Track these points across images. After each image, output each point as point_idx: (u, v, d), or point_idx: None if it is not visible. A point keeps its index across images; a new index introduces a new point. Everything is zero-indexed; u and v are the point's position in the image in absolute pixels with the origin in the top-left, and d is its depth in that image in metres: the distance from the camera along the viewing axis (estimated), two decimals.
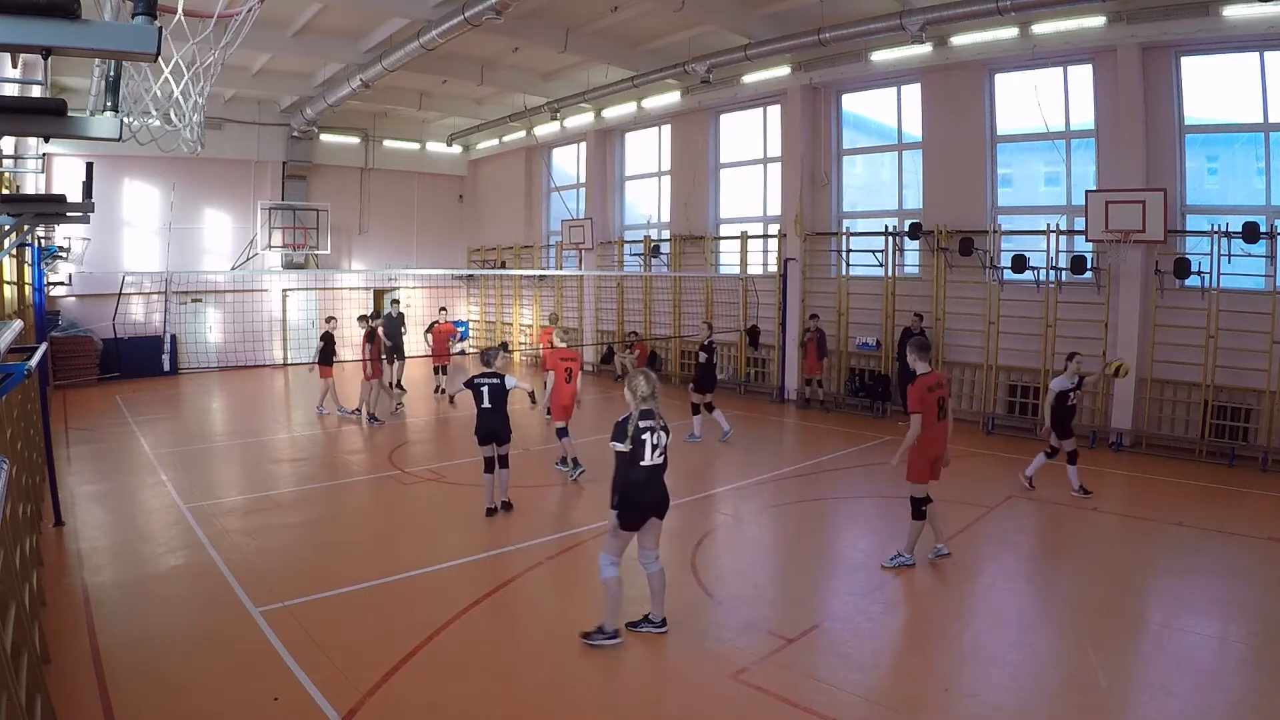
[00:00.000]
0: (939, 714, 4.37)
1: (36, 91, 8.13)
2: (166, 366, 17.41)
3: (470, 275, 24.05)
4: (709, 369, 11.65)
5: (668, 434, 5.26)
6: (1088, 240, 11.55)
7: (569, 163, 22.01)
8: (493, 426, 7.90)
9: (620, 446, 5.08)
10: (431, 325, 16.64)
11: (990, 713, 4.48)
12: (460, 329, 22.48)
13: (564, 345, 9.92)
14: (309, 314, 20.93)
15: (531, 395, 8.86)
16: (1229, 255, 10.41)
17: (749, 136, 16.98)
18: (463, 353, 20.70)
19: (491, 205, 24.27)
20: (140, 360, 16.01)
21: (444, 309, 17.32)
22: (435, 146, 23.96)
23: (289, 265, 20.57)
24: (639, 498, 5.11)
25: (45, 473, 7.83)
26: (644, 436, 5.10)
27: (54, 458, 7.86)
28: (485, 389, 7.85)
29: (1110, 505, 8.66)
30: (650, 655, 5.08)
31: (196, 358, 17.95)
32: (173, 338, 17.92)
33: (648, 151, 19.37)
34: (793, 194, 15.30)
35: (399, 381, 15.79)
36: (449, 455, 10.85)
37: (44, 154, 10.69)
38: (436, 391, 16.20)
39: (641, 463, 5.10)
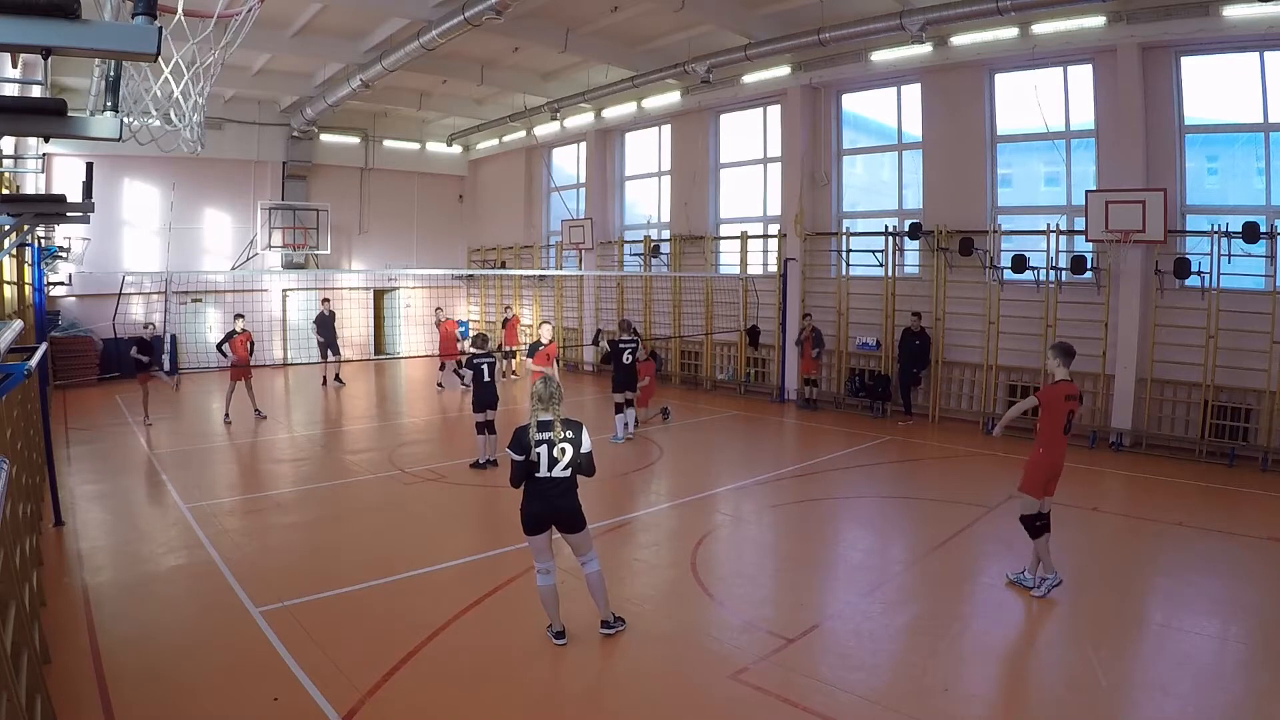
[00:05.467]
0: (939, 714, 4.36)
1: (36, 91, 8.13)
2: (167, 366, 17.42)
3: (470, 275, 24.06)
4: (622, 368, 11.31)
5: (575, 447, 4.96)
6: (1088, 240, 11.54)
7: (569, 163, 22.00)
8: (490, 396, 9.64)
9: (515, 456, 4.94)
10: (439, 324, 17.35)
11: (990, 712, 4.49)
12: (460, 328, 22.58)
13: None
14: (309, 314, 20.92)
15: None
16: (1229, 255, 10.41)
17: (749, 136, 16.98)
18: (463, 352, 20.75)
19: (491, 205, 24.26)
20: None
21: (439, 308, 17.70)
22: (435, 146, 23.95)
23: (289, 265, 20.56)
24: (533, 508, 4.98)
25: (45, 473, 7.83)
26: (540, 449, 4.90)
27: (54, 458, 7.86)
28: (485, 366, 9.60)
29: (1110, 505, 8.66)
30: (650, 655, 5.08)
31: (197, 358, 17.93)
32: (173, 338, 17.92)
33: (648, 151, 19.36)
34: (793, 194, 15.30)
35: (338, 375, 16.48)
36: (449, 455, 10.85)
37: (44, 154, 10.70)
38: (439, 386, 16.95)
39: (537, 474, 4.94)
